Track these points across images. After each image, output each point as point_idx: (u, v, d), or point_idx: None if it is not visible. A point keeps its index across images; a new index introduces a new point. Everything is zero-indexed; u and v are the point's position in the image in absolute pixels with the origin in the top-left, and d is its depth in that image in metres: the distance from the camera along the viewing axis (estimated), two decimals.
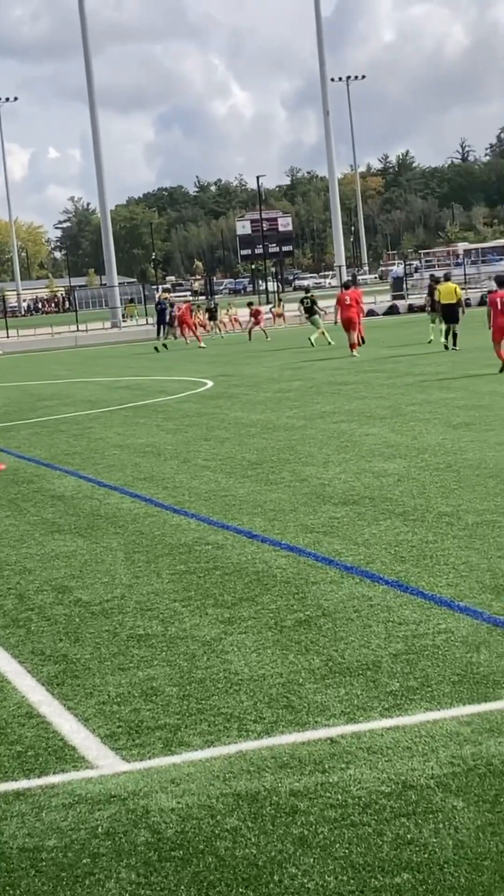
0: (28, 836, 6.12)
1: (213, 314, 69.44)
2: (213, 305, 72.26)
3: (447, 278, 40.78)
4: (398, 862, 5.49)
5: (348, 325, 39.87)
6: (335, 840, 5.76)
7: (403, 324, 58.54)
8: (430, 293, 43.10)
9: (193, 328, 60.65)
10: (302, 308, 53.70)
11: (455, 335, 37.27)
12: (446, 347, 37.33)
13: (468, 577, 10.24)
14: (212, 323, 69.49)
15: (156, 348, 58.00)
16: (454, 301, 37.50)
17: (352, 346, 39.57)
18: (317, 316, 50.59)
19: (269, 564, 11.42)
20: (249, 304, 68.63)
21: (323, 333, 48.00)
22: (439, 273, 74.08)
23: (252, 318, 61.26)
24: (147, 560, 12.14)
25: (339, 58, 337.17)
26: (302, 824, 5.96)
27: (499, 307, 28.49)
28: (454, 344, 37.16)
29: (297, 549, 11.94)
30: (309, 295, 53.39)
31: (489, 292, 31.38)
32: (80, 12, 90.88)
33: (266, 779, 6.53)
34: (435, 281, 45.49)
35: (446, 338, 37.76)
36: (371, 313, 74.49)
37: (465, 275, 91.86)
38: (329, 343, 46.84)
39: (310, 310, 51.38)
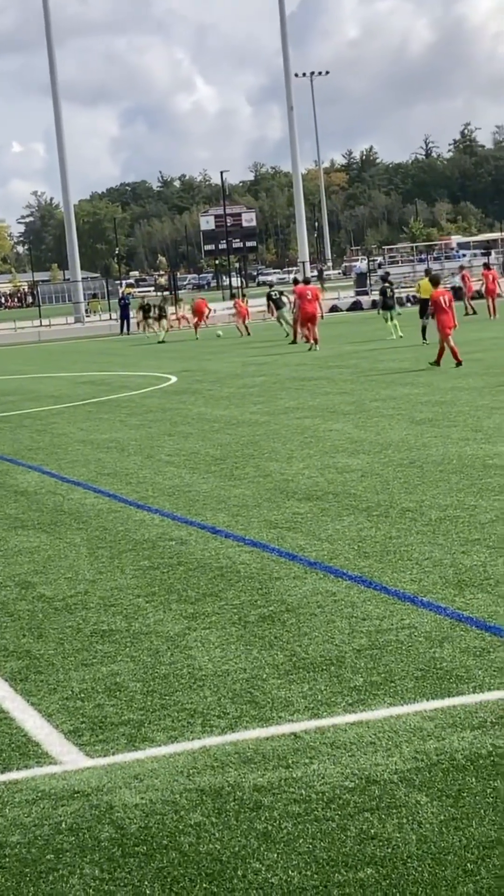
0: None
1: (162, 312, 61.97)
2: (157, 302, 66.66)
3: (428, 273, 41.51)
4: (362, 857, 5.51)
5: (310, 318, 40.30)
6: (299, 835, 5.77)
7: (367, 319, 58.62)
8: (383, 292, 43.41)
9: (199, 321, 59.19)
10: (271, 303, 53.73)
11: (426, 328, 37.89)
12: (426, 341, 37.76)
13: (431, 573, 10.27)
14: (150, 321, 64.86)
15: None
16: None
17: (315, 341, 39.98)
18: (285, 309, 50.96)
19: (233, 560, 11.43)
20: (234, 297, 67.30)
21: (288, 324, 48.59)
22: (401, 269, 74.11)
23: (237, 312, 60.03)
24: (111, 556, 12.12)
25: (304, 53, 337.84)
26: (266, 819, 5.97)
27: (443, 305, 28.79)
28: (424, 336, 37.78)
29: (260, 544, 11.95)
30: (275, 289, 53.70)
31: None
32: (44, 5, 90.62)
33: (230, 774, 6.53)
34: (383, 279, 45.97)
35: (424, 333, 38.27)
36: (334, 309, 74.62)
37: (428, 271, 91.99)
38: (287, 335, 47.17)
39: (277, 302, 51.67)
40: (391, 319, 42.08)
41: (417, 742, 6.73)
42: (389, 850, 5.54)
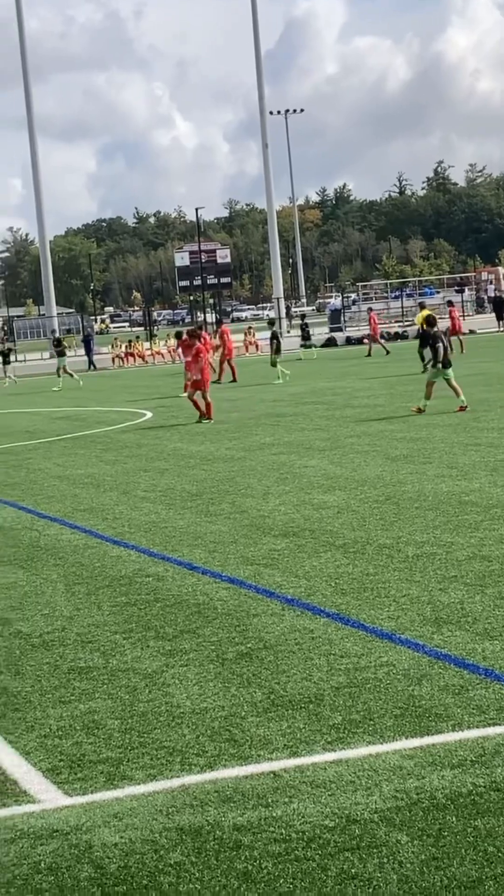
0: None
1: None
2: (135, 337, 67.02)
3: (422, 306, 42.53)
4: None
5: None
6: (279, 875, 5.75)
7: (341, 356, 58.80)
8: (275, 336, 43.93)
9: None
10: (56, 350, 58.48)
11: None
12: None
13: (409, 610, 10.27)
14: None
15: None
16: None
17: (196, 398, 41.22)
18: (66, 359, 56.33)
19: (210, 596, 11.41)
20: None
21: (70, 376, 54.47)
22: (376, 305, 74.09)
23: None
24: (87, 592, 12.09)
25: (282, 90, 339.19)
26: (246, 859, 5.94)
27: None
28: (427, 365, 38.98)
29: (237, 580, 11.94)
30: (59, 337, 57.54)
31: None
32: (20, 40, 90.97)
33: (209, 813, 6.50)
34: (270, 323, 46.60)
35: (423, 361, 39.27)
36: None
37: (402, 307, 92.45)
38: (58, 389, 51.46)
39: (62, 352, 56.76)
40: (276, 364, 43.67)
41: (397, 781, 6.72)
42: (370, 891, 5.52)
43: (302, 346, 61.38)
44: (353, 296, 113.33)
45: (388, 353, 54.47)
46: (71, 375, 54.67)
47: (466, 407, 26.27)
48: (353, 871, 5.72)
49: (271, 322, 47.51)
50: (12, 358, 66.87)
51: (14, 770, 7.41)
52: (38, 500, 18.76)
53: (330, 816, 6.33)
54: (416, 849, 5.88)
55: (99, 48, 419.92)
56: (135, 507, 17.10)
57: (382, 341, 57.87)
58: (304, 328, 62.46)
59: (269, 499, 16.81)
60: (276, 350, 43.75)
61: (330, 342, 75.60)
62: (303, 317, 70.04)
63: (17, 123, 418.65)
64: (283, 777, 6.92)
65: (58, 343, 58.41)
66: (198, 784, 6.92)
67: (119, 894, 5.69)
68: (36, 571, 13.31)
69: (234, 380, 44.83)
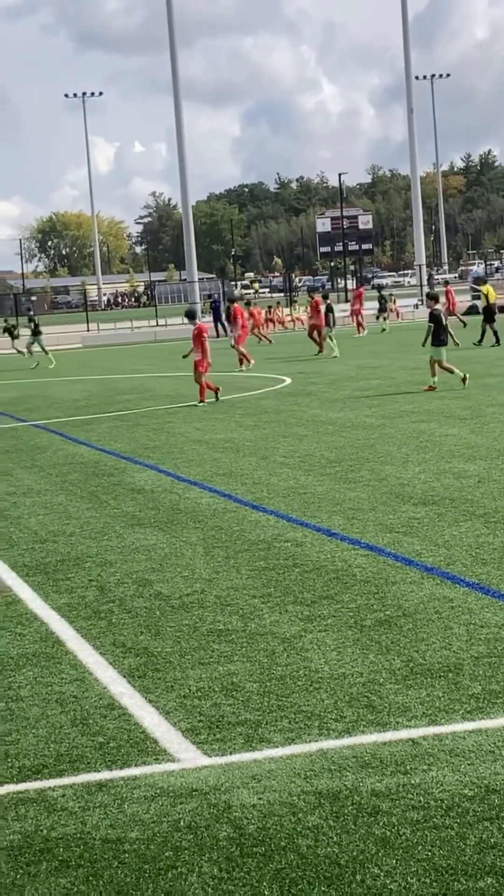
0: (111, 828, 6.17)
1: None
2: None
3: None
4: (481, 866, 5.46)
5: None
6: (417, 842, 5.74)
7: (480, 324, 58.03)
8: (329, 309, 43.88)
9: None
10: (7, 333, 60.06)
11: None
12: None
13: None
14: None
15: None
16: None
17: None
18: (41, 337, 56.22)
19: (349, 563, 11.41)
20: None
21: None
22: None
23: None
24: (226, 555, 12.17)
25: (431, 55, 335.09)
26: (384, 825, 5.94)
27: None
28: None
29: (376, 548, 11.91)
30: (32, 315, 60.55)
31: None
32: (168, 5, 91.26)
33: (347, 778, 6.52)
34: (324, 297, 46.08)
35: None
36: (449, 313, 74.37)
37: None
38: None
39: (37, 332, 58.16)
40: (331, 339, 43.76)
41: None
42: None
43: (377, 316, 62.82)
44: (497, 263, 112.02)
45: (464, 325, 54.60)
46: (27, 354, 55.46)
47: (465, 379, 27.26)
48: (492, 840, 5.69)
49: (325, 296, 47.26)
50: (16, 333, 66.21)
51: (154, 729, 7.51)
52: (178, 463, 18.91)
53: (469, 785, 6.30)
54: None
55: (246, 11, 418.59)
56: (273, 473, 17.15)
57: (457, 315, 57.98)
58: (381, 300, 63.50)
59: (409, 467, 16.73)
60: (330, 322, 43.77)
61: (472, 310, 74.81)
62: (380, 288, 72.01)
63: (162, 88, 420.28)
64: (421, 745, 6.91)
65: (31, 321, 58.50)
66: (336, 749, 6.94)
67: (257, 855, 5.74)
68: (176, 534, 13.43)
69: (321, 351, 44.62)
